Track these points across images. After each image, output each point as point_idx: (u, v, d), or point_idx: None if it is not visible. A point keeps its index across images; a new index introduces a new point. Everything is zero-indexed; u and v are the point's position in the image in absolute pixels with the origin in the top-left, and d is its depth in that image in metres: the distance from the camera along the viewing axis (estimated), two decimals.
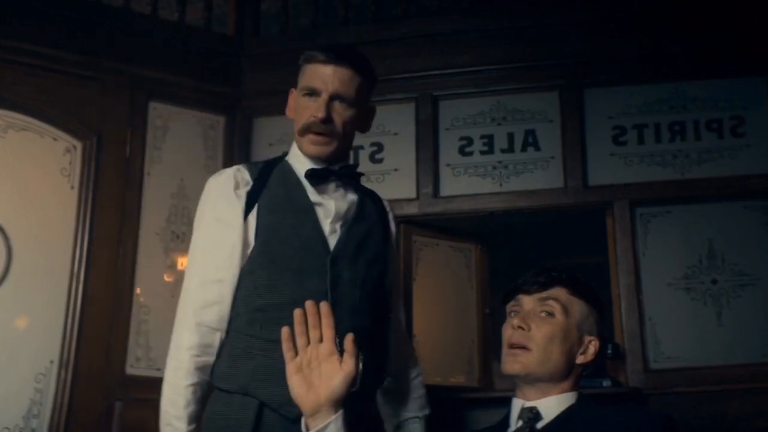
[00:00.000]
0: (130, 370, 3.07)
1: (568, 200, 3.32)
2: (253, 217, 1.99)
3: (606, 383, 2.97)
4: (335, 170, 2.04)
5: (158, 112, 3.37)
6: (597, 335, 1.87)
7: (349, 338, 1.59)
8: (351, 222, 2.04)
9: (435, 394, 3.14)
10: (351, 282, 1.97)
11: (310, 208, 2.01)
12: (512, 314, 1.88)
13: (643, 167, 3.31)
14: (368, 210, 2.10)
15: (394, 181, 3.47)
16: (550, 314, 1.83)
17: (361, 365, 1.58)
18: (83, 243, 3.07)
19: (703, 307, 3.15)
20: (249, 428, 1.88)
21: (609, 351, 3.08)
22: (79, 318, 3.00)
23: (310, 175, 2.02)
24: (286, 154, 2.13)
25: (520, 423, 1.80)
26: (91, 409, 2.95)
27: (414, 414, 2.17)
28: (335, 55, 2.02)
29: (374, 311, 2.02)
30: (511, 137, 3.45)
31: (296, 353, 1.61)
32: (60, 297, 3.01)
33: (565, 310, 1.84)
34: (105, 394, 3.00)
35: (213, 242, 1.99)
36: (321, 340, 1.61)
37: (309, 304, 1.60)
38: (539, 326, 1.82)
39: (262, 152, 3.57)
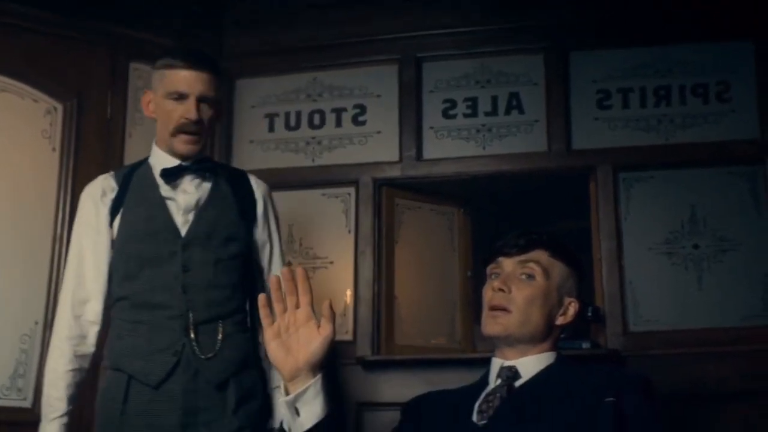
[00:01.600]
0: None
1: (551, 164, 3.39)
2: (117, 220, 2.37)
3: (585, 345, 3.08)
4: (188, 166, 2.39)
5: (139, 72, 3.41)
6: (576, 297, 1.98)
7: (326, 304, 1.68)
8: (201, 209, 2.35)
9: (417, 355, 3.29)
10: (204, 262, 2.31)
11: (162, 204, 2.35)
12: (492, 276, 1.98)
13: (627, 132, 3.38)
14: (223, 193, 2.41)
15: (377, 144, 3.54)
16: (531, 276, 1.93)
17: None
18: (65, 205, 3.13)
19: (684, 271, 3.24)
20: (121, 397, 2.24)
21: (589, 314, 3.15)
22: (63, 279, 3.07)
23: (164, 174, 2.38)
24: (148, 156, 2.48)
25: (499, 381, 1.91)
26: None
27: (276, 383, 2.35)
28: (196, 61, 2.38)
29: (233, 285, 2.34)
30: (495, 100, 3.51)
31: (273, 320, 1.68)
32: (43, 259, 3.08)
33: (546, 273, 1.94)
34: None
35: (85, 246, 2.39)
36: (298, 306, 1.68)
37: (284, 271, 1.68)
38: (520, 289, 1.92)
39: (245, 114, 3.65)
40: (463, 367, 2.98)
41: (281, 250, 2.55)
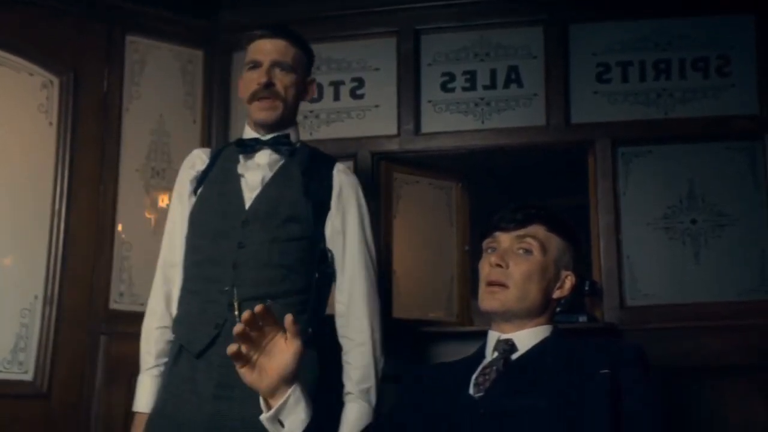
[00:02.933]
0: (113, 306, 3.23)
1: (549, 138, 3.42)
2: (198, 192, 2.49)
3: (582, 319, 3.15)
4: (264, 141, 2.44)
5: (135, 46, 3.44)
6: (573, 270, 2.02)
7: (288, 319, 1.72)
8: (265, 187, 2.40)
9: (414, 328, 3.35)
10: (260, 240, 2.36)
11: (236, 180, 2.43)
12: (489, 251, 2.02)
13: (627, 106, 3.41)
14: (292, 173, 2.43)
15: (375, 118, 3.57)
16: (528, 251, 1.97)
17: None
18: (63, 179, 3.17)
19: (681, 246, 3.29)
20: (172, 360, 2.40)
21: (586, 288, 3.21)
22: (62, 255, 3.13)
23: (239, 144, 2.47)
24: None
25: (496, 354, 1.95)
26: (76, 343, 3.12)
27: (348, 389, 2.41)
28: (271, 31, 2.47)
29: (289, 266, 2.37)
30: (493, 73, 3.54)
31: (246, 361, 1.72)
32: (42, 233, 3.13)
33: (543, 248, 1.98)
34: (89, 328, 3.16)
35: (176, 214, 2.53)
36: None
37: (245, 317, 1.70)
38: (517, 264, 1.96)
39: None
40: (461, 340, 3.02)
41: (363, 245, 2.49)
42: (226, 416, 2.27)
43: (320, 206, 2.45)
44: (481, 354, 2.02)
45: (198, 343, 2.33)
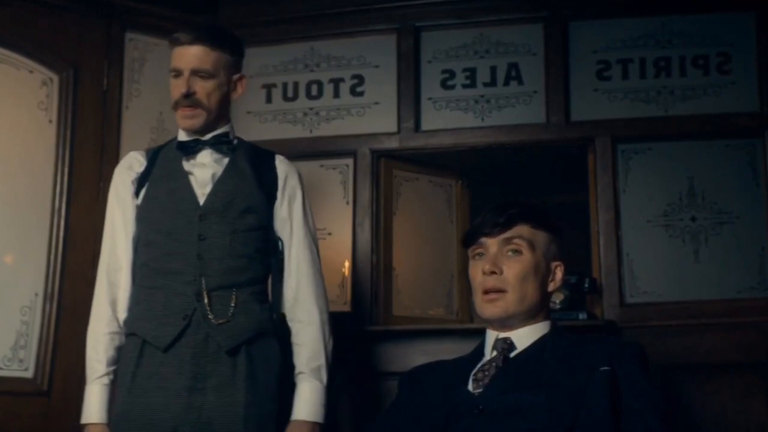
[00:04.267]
0: None
1: (549, 136, 3.45)
2: (142, 192, 2.52)
3: (582, 316, 3.15)
4: (205, 141, 2.51)
5: (135, 43, 3.47)
6: (560, 258, 2.06)
7: None
8: (218, 182, 2.47)
9: (414, 325, 3.37)
10: (220, 233, 2.43)
11: (184, 177, 2.48)
12: (476, 257, 2.04)
13: (627, 103, 3.43)
14: (241, 168, 2.52)
15: (375, 115, 3.60)
16: (517, 251, 2.00)
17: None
18: (63, 177, 3.21)
19: (681, 244, 3.31)
20: (134, 360, 2.39)
21: (586, 285, 3.24)
22: (62, 252, 3.16)
23: (180, 147, 2.52)
24: (177, 136, 2.60)
25: (494, 353, 1.99)
26: (77, 341, 3.02)
27: (299, 369, 2.46)
28: (190, 36, 2.49)
29: (249, 256, 2.46)
30: (493, 71, 3.56)
31: None
32: (42, 231, 3.17)
33: (531, 245, 2.01)
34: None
35: (116, 217, 2.54)
36: None
37: None
38: (510, 266, 1.99)
39: None
40: (460, 337, 3.06)
41: (306, 230, 2.58)
42: (201, 408, 2.32)
43: (270, 196, 2.54)
44: (480, 352, 2.06)
45: (166, 336, 2.37)
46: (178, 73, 2.49)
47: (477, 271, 2.02)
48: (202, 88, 2.48)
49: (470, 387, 1.96)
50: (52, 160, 3.23)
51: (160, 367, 2.36)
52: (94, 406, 2.41)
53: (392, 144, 3.56)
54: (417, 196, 3.70)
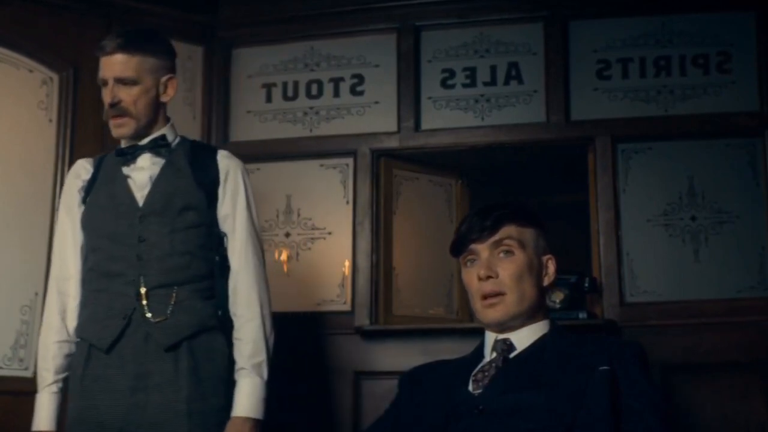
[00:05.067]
0: None
1: (549, 135, 3.47)
2: (88, 200, 2.53)
3: (582, 316, 3.18)
4: (142, 146, 2.53)
5: None
6: (550, 251, 2.06)
7: None
8: (155, 182, 2.49)
9: (414, 325, 3.38)
10: (161, 233, 2.44)
11: (123, 181, 2.50)
12: (469, 264, 2.05)
13: (627, 102, 3.45)
14: (178, 166, 2.53)
15: (375, 114, 3.62)
16: (509, 252, 2.00)
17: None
18: (63, 176, 3.16)
19: (681, 243, 3.33)
20: (82, 364, 2.42)
21: (586, 285, 3.25)
22: None
23: (119, 154, 2.54)
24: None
25: (494, 354, 1.99)
26: None
27: (240, 364, 2.46)
28: (111, 45, 2.49)
29: (191, 253, 2.47)
30: (493, 70, 3.58)
31: None
32: (42, 230, 3.18)
33: (521, 244, 2.01)
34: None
35: (65, 225, 2.56)
36: None
37: None
38: (504, 268, 1.98)
39: (241, 84, 3.72)
40: (460, 337, 3.09)
41: (249, 225, 2.57)
42: (145, 407, 2.34)
43: (211, 193, 2.54)
44: (480, 353, 2.06)
45: (108, 337, 2.39)
46: (103, 83, 2.51)
47: (472, 277, 2.02)
48: (128, 95, 2.49)
49: (470, 387, 1.97)
50: (52, 159, 3.25)
51: (106, 369, 2.39)
52: (42, 413, 2.45)
53: (392, 143, 3.57)
54: (417, 195, 3.71)
